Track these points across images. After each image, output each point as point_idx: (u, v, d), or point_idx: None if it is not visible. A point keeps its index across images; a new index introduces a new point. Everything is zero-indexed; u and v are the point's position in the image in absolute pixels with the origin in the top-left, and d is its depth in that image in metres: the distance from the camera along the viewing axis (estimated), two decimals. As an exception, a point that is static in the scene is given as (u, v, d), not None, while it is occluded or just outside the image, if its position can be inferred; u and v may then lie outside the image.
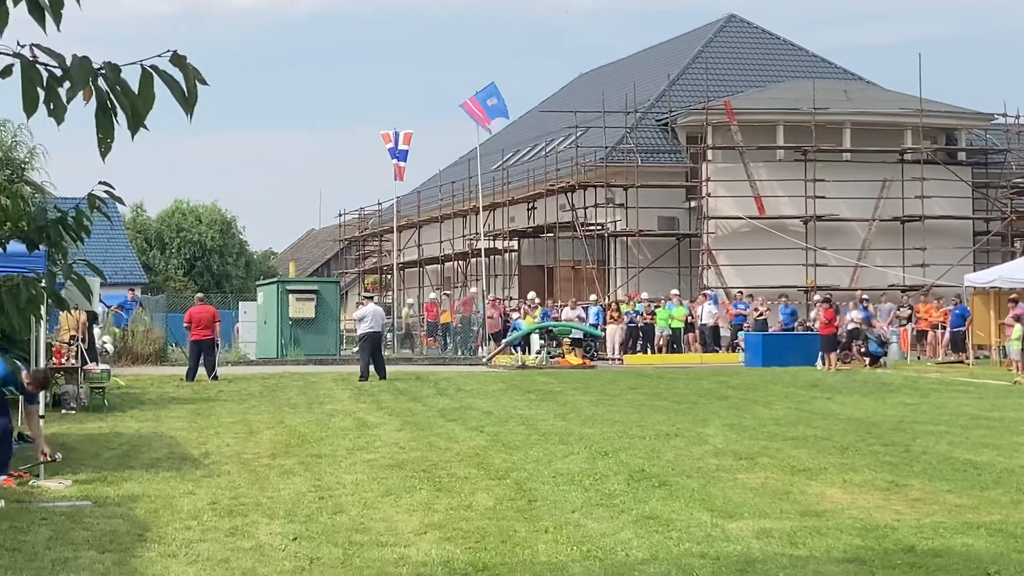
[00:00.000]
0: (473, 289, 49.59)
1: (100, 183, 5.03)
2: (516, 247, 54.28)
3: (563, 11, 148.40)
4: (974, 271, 44.44)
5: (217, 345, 31.96)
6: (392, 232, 58.51)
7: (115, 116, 3.68)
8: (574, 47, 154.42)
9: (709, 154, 49.37)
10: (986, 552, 10.31)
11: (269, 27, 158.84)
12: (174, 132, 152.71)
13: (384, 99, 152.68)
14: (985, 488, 13.62)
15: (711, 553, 10.23)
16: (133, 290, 44.55)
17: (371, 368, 30.72)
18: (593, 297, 44.17)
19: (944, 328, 41.36)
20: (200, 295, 34.98)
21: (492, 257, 53.84)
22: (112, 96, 3.63)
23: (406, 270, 61.14)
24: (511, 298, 49.99)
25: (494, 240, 53.29)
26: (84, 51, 3.68)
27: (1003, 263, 44.28)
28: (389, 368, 31.84)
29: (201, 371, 30.34)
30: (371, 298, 35.04)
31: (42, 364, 16.90)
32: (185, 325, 32.12)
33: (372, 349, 31.39)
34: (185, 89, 3.60)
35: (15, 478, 14.30)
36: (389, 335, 45.93)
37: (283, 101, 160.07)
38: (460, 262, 57.40)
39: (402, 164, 50.05)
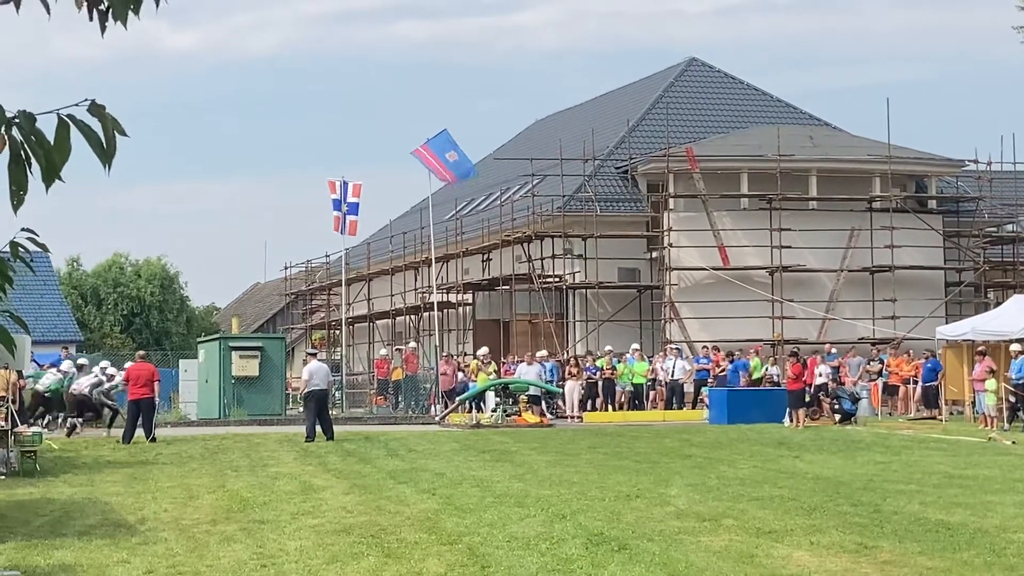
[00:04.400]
0: (412, 344, 49.37)
1: (23, 230, 4.98)
2: (470, 300, 54.24)
3: (519, 54, 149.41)
4: (946, 323, 44.76)
5: (155, 405, 31.74)
6: (340, 285, 58.41)
7: (29, 167, 3.66)
8: (529, 92, 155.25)
9: (671, 203, 49.58)
10: (958, 616, 10.35)
11: (212, 73, 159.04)
12: (112, 183, 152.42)
13: (332, 147, 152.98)
14: (958, 550, 13.66)
15: (672, 620, 10.23)
16: (67, 348, 44.37)
17: (317, 428, 30.67)
18: (542, 352, 43.87)
19: (916, 383, 41.52)
20: (140, 352, 34.75)
21: (445, 311, 53.77)
22: (26, 146, 3.62)
23: (355, 325, 60.98)
24: (465, 354, 49.86)
25: (447, 293, 53.26)
26: (22, 101, 3.68)
27: (976, 315, 44.62)
28: (337, 428, 31.73)
29: (139, 433, 30.15)
30: (315, 355, 34.95)
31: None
32: (122, 384, 31.96)
33: (318, 408, 31.38)
34: (103, 140, 3.59)
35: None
36: (338, 393, 45.80)
37: (227, 150, 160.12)
38: (412, 316, 57.29)
39: (353, 218, 49.85)
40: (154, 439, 29.80)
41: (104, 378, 33.97)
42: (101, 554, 13.82)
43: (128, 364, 32.99)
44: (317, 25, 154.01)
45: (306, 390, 31.96)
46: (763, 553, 13.52)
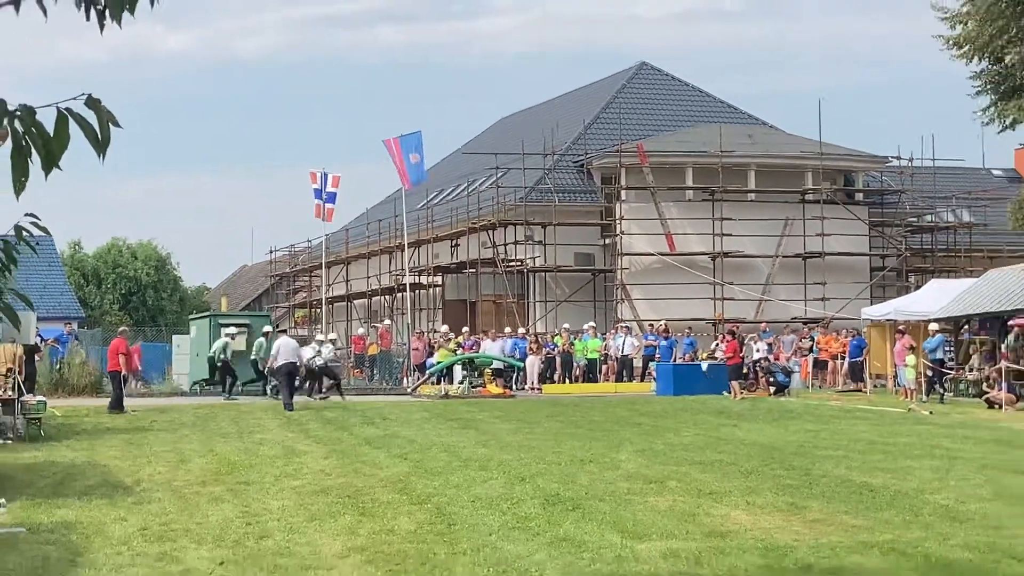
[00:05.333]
0: (387, 322, 49.29)
1: (27, 215, 4.96)
2: (440, 282, 54.16)
3: (487, 57, 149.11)
4: (871, 305, 44.97)
5: (124, 379, 31.43)
6: (321, 268, 58.34)
7: (29, 156, 3.63)
8: (496, 92, 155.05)
9: (623, 194, 49.64)
10: (879, 571, 10.39)
11: (205, 72, 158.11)
12: (112, 173, 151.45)
13: (314, 142, 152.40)
14: (879, 509, 13.73)
15: (620, 573, 10.25)
16: (69, 324, 44.04)
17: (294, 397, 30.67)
18: (521, 330, 44.01)
19: (843, 358, 41.70)
20: (122, 328, 34.53)
21: (417, 292, 53.62)
22: (26, 137, 3.58)
23: (334, 304, 60.83)
24: (435, 331, 49.80)
25: (419, 276, 53.12)
26: (26, 98, 3.65)
27: (898, 297, 44.81)
28: (315, 400, 31.66)
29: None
30: (284, 331, 35.00)
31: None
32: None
33: (290, 381, 31.23)
34: (98, 131, 3.56)
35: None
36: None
37: (218, 144, 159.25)
38: (386, 296, 57.16)
39: (331, 206, 49.74)
40: (112, 409, 29.31)
41: (324, 351, 36.10)
42: (100, 513, 13.76)
43: (116, 338, 32.73)
44: (301, 29, 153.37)
45: (276, 364, 31.53)
46: (704, 512, 13.56)
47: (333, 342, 38.39)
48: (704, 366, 39.33)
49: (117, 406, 29.47)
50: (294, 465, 18.45)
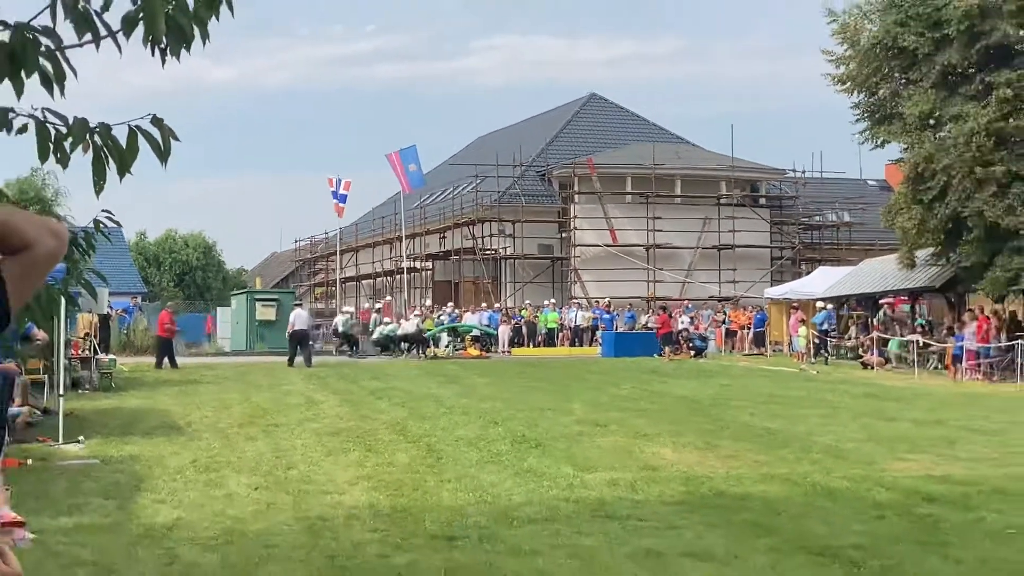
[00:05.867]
0: (388, 298, 49.21)
1: (103, 211, 4.99)
2: (431, 267, 54.05)
3: (469, 87, 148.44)
4: (771, 286, 45.13)
5: (169, 344, 30.68)
6: (336, 254, 58.22)
7: (107, 164, 3.63)
8: (476, 115, 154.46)
9: (575, 197, 49.61)
10: (776, 495, 10.45)
11: (243, 99, 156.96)
12: (171, 177, 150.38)
13: (330, 153, 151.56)
14: (777, 448, 13.81)
15: (572, 497, 10.27)
16: (134, 298, 43.83)
17: (299, 358, 30.59)
18: (484, 304, 43.96)
19: (749, 329, 41.91)
20: (170, 303, 34.30)
21: (412, 274, 53.58)
22: (104, 149, 3.58)
23: (346, 284, 60.68)
24: (426, 306, 49.73)
25: (414, 261, 53.05)
26: (104, 118, 3.65)
27: (792, 281, 45.00)
28: (334, 360, 31.56)
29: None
30: (300, 304, 34.93)
31: (62, 357, 16.59)
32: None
33: (297, 343, 31.24)
34: (161, 144, 3.56)
35: (41, 442, 14.12)
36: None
37: (255, 154, 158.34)
38: (387, 278, 57.07)
39: (342, 205, 49.97)
40: (162, 367, 29.15)
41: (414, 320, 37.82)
42: (159, 448, 13.72)
43: (164, 311, 32.48)
44: (319, 66, 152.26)
45: (290, 330, 31.63)
46: (638, 450, 13.62)
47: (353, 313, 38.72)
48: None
49: (169, 364, 29.38)
50: (314, 411, 18.43)
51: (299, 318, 31.59)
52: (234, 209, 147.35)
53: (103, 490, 10.77)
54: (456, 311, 42.67)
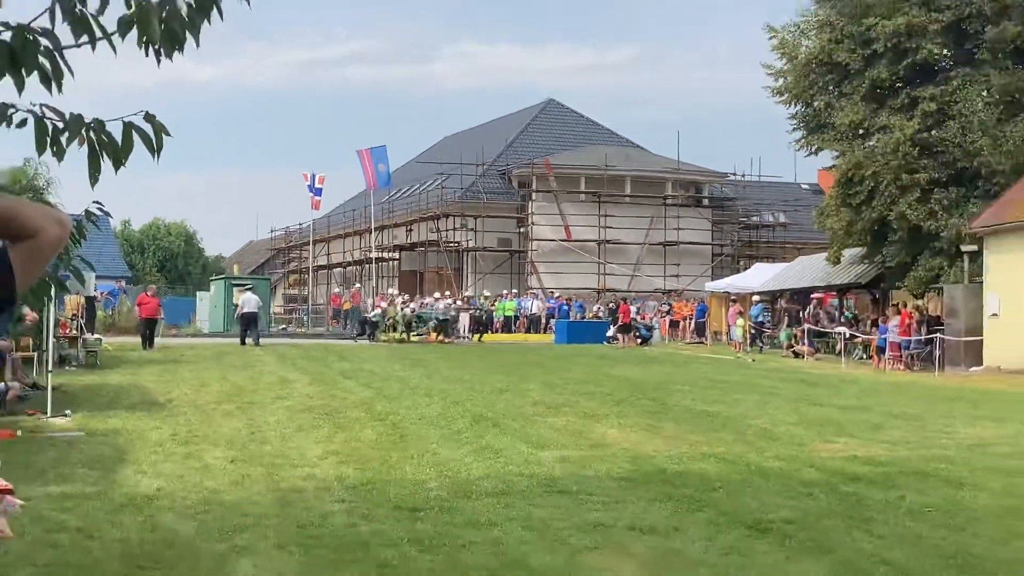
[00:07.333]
0: (357, 285, 49.08)
1: (94, 202, 4.96)
2: (398, 257, 53.94)
3: (436, 90, 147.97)
4: (712, 281, 45.43)
5: (153, 324, 30.15)
6: (309, 244, 57.90)
7: (102, 157, 3.61)
8: (441, 117, 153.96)
9: (533, 196, 49.65)
10: (714, 473, 10.52)
11: (224, 97, 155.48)
12: (156, 169, 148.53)
13: (306, 149, 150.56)
14: (715, 430, 13.88)
15: (527, 472, 10.30)
16: (119, 282, 43.45)
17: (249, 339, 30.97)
18: (447, 293, 43.84)
19: (691, 319, 42.16)
20: (151, 288, 33.65)
21: (380, 264, 53.44)
22: (98, 143, 3.57)
23: (318, 271, 60.35)
24: (395, 294, 49.61)
25: (382, 252, 52.91)
26: (95, 112, 3.64)
27: (732, 275, 45.32)
28: (303, 342, 31.47)
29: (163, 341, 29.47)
30: (251, 288, 34.92)
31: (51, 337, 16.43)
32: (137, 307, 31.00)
33: (247, 324, 31.64)
34: (153, 139, 3.55)
35: (30, 415, 13.99)
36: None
37: (235, 149, 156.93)
38: (357, 267, 56.84)
39: (318, 198, 49.79)
40: (151, 348, 28.72)
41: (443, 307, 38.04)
42: (141, 422, 13.61)
43: (141, 294, 32.11)
44: (295, 68, 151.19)
45: (240, 312, 32.29)
46: (588, 430, 13.66)
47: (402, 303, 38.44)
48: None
49: (147, 346, 28.91)
50: (286, 390, 18.32)
51: (248, 302, 32.14)
52: (214, 200, 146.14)
53: (88, 461, 10.68)
54: (420, 299, 42.52)
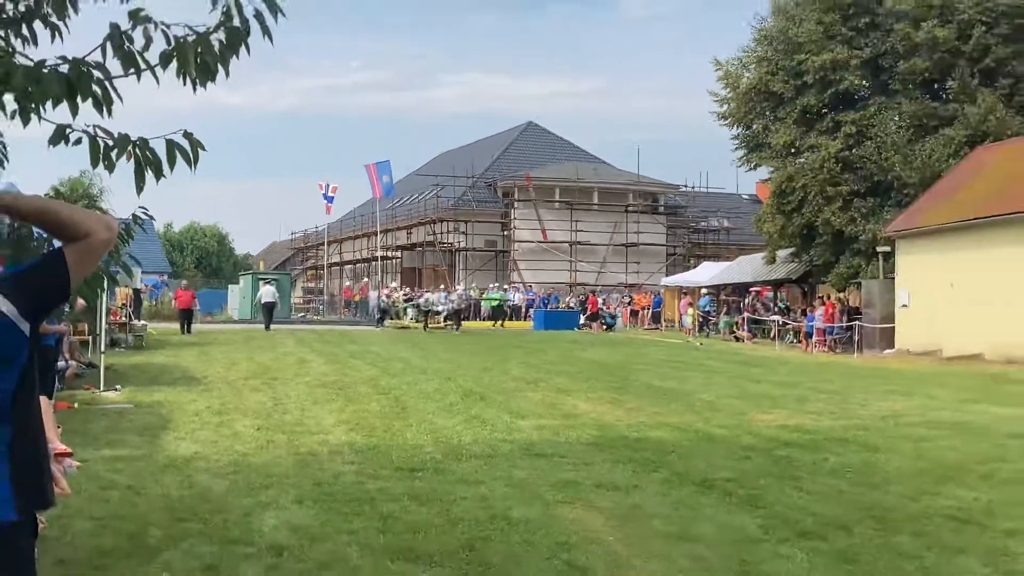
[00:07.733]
0: (365, 280, 48.94)
1: (140, 207, 4.96)
2: (400, 256, 53.83)
3: (436, 113, 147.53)
4: (666, 276, 45.54)
5: (191, 313, 30.17)
6: (324, 244, 57.69)
7: (146, 170, 3.61)
8: (439, 135, 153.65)
9: (515, 204, 49.55)
10: (669, 440, 10.58)
11: (251, 119, 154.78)
12: (193, 178, 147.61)
13: (321, 162, 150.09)
14: (670, 403, 13.94)
15: (509, 439, 10.33)
16: (162, 276, 43.18)
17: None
18: (442, 286, 43.74)
19: (648, 309, 42.25)
20: (184, 282, 34.07)
21: (385, 261, 53.32)
22: (143, 158, 3.56)
23: (332, 268, 60.15)
24: (395, 287, 49.49)
25: (386, 251, 52.79)
26: (140, 131, 3.64)
27: (683, 272, 45.42)
28: (319, 328, 31.43)
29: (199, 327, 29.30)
30: (271, 282, 35.27)
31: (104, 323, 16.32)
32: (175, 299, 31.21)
33: (268, 312, 32.24)
34: (191, 153, 3.55)
35: (86, 390, 13.94)
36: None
37: (260, 162, 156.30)
38: (365, 264, 56.70)
39: (331, 205, 49.51)
40: (190, 333, 28.65)
41: (456, 297, 36.91)
42: (181, 396, 13.57)
43: (177, 288, 32.43)
44: (315, 94, 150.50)
45: (262, 302, 32.93)
46: (561, 402, 13.70)
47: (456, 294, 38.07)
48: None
49: (185, 331, 28.83)
50: (304, 368, 18.32)
51: (267, 293, 32.79)
52: (242, 206, 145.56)
53: (136, 428, 10.66)
54: (419, 291, 42.41)
